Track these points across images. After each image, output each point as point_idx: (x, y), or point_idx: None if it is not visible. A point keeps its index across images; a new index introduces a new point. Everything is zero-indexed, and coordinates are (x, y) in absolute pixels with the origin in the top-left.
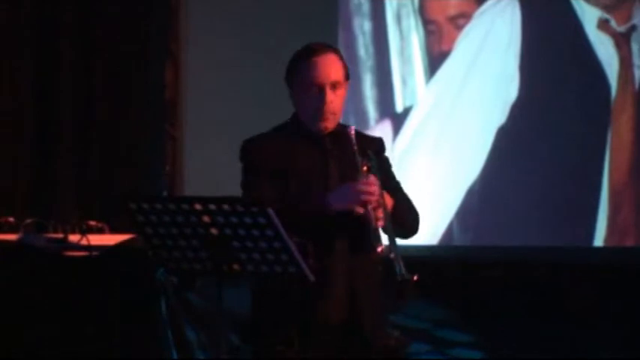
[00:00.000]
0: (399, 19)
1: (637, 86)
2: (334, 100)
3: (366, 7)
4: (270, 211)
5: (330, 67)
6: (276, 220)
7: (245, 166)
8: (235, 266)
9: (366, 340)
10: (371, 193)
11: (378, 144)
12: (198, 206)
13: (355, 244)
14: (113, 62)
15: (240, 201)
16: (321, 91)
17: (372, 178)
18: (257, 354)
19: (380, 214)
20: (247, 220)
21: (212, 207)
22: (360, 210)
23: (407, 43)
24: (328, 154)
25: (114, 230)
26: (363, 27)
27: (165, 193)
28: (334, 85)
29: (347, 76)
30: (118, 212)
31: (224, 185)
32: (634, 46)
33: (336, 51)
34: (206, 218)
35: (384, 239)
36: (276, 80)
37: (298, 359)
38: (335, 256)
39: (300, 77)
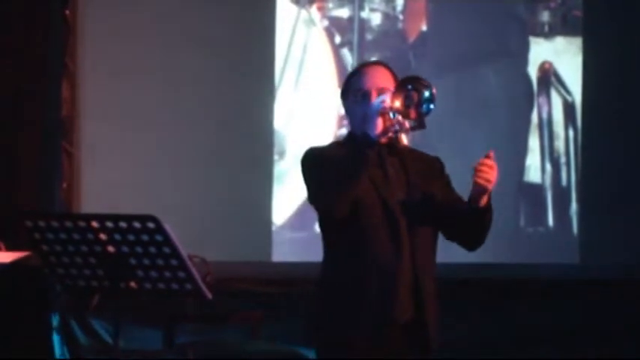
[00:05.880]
0: None
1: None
2: None
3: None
4: (167, 227)
5: (377, 75)
6: (173, 237)
7: (308, 169)
8: (132, 284)
9: (428, 339)
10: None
11: (439, 162)
12: (94, 223)
13: (421, 242)
14: (9, 78)
15: (137, 218)
16: (368, 96)
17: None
18: (320, 350)
19: None
20: (144, 237)
21: (109, 224)
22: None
23: None
24: (385, 159)
25: (9, 248)
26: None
27: (61, 211)
28: (381, 92)
29: None
30: (13, 229)
31: (121, 202)
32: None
33: (386, 65)
34: (103, 236)
35: None
36: (172, 98)
37: (362, 359)
38: (402, 254)
39: (351, 88)
